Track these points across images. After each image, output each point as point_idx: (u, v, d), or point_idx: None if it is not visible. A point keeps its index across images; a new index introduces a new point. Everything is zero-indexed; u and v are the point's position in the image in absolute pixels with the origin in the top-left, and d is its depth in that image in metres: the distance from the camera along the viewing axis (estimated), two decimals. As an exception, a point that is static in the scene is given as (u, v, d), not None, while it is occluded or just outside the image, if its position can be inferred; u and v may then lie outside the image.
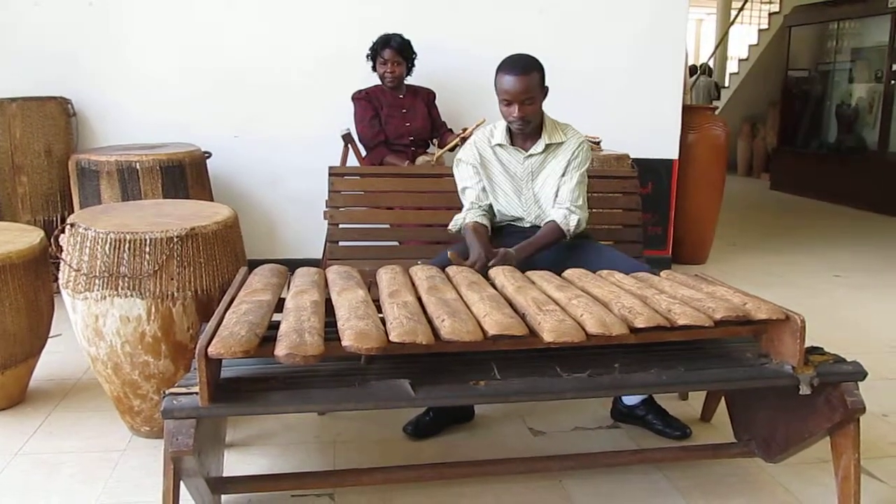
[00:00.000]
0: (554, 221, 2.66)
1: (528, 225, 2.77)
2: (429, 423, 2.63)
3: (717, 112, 5.77)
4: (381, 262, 2.56)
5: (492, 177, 2.75)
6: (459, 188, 2.81)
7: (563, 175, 2.71)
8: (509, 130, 2.71)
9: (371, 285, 2.26)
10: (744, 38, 12.12)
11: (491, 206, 2.76)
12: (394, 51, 4.07)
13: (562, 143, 2.72)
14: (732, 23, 10.62)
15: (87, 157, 3.82)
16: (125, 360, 2.42)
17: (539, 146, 2.70)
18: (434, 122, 4.29)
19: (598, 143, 4.28)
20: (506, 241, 2.71)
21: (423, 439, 2.61)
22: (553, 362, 1.98)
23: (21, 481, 2.31)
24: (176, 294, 2.37)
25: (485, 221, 2.71)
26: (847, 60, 8.77)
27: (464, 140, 3.90)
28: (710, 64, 11.52)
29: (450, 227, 2.78)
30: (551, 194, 2.72)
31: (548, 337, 1.80)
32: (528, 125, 2.64)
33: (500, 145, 2.73)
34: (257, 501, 2.22)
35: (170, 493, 1.77)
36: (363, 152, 4.17)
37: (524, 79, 2.55)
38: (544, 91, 2.64)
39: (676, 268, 4.79)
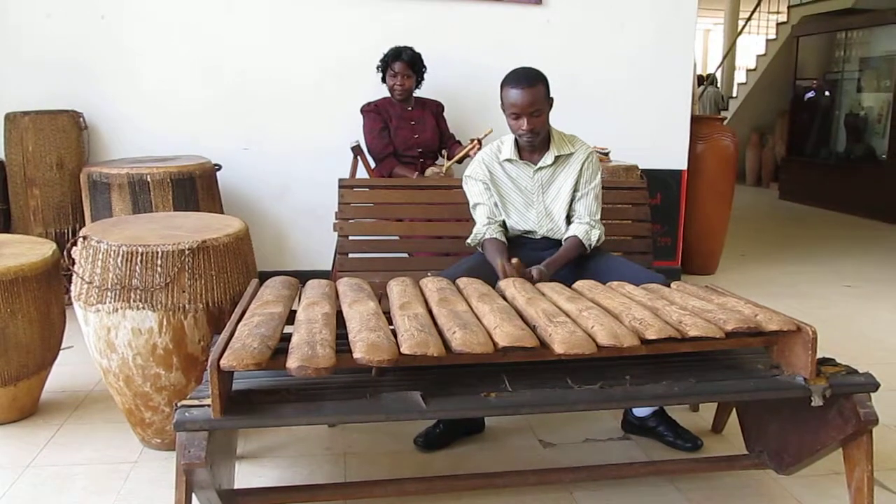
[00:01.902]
0: (576, 237, 2.69)
1: (538, 237, 2.78)
2: (439, 435, 2.63)
3: (725, 122, 5.76)
4: (391, 274, 2.57)
5: (502, 192, 2.75)
6: (471, 204, 2.81)
7: (576, 188, 2.73)
8: (517, 144, 2.72)
9: (381, 297, 2.26)
10: (751, 49, 12.11)
11: (504, 222, 2.77)
12: (405, 64, 4.08)
13: (570, 154, 2.74)
14: (740, 33, 10.62)
15: (98, 170, 3.85)
16: (137, 373, 2.43)
17: (548, 158, 2.71)
18: (443, 133, 4.30)
19: (606, 154, 4.29)
20: (517, 252, 2.71)
21: (433, 451, 2.61)
22: (564, 374, 1.97)
23: (32, 493, 2.32)
24: (187, 306, 2.38)
25: (502, 238, 2.72)
26: (855, 70, 8.76)
27: (472, 151, 3.92)
28: (718, 74, 11.53)
29: (469, 240, 2.78)
30: (564, 206, 2.73)
31: (559, 349, 1.80)
32: (537, 137, 2.65)
33: (508, 160, 2.74)
34: (268, 513, 2.22)
35: (182, 505, 1.78)
36: (372, 164, 4.19)
37: (531, 91, 2.56)
38: (550, 102, 2.65)
39: (686, 278, 4.78)
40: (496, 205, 2.76)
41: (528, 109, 2.57)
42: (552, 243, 2.77)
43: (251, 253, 2.71)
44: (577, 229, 2.71)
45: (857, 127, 8.66)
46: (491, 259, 2.64)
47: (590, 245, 2.71)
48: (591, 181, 2.76)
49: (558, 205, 2.75)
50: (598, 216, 2.76)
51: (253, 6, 4.46)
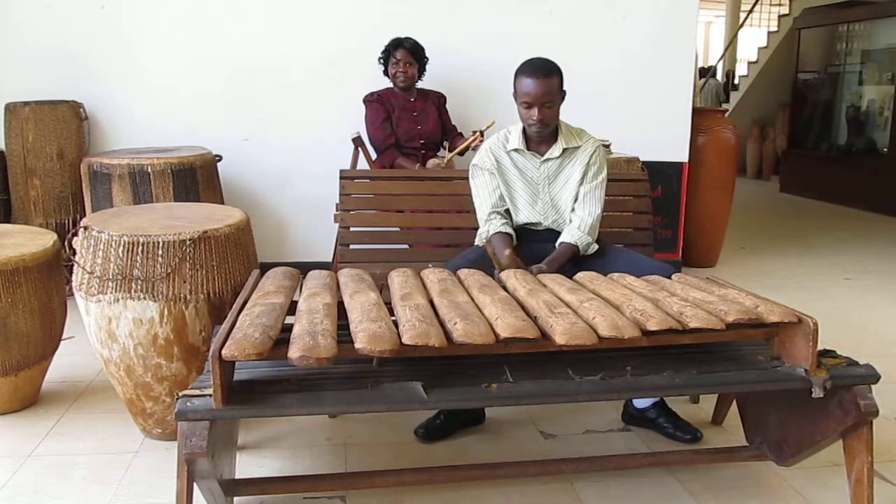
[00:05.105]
0: (576, 246, 2.67)
1: (543, 228, 2.78)
2: (440, 426, 2.64)
3: (726, 114, 5.75)
4: (392, 265, 2.57)
5: (508, 182, 2.75)
6: (473, 194, 2.81)
7: (581, 182, 2.73)
8: (525, 134, 2.72)
9: (382, 288, 2.27)
10: (753, 41, 12.09)
11: (508, 211, 2.77)
12: (406, 51, 4.08)
13: (578, 147, 2.74)
14: (742, 25, 10.61)
15: (98, 161, 3.84)
16: (138, 363, 2.43)
17: (556, 150, 2.71)
18: (444, 125, 4.30)
19: (607, 147, 4.28)
20: (522, 244, 2.71)
21: (434, 442, 2.61)
22: (565, 365, 1.98)
23: (34, 483, 2.33)
24: (188, 296, 2.38)
25: (508, 230, 2.71)
26: (857, 62, 8.74)
27: (474, 143, 3.92)
28: (719, 67, 11.51)
29: (477, 241, 2.77)
30: (570, 198, 2.74)
31: (560, 340, 1.80)
32: (546, 128, 2.65)
33: (516, 150, 2.74)
34: (270, 503, 2.23)
35: (183, 495, 1.78)
36: (374, 155, 4.18)
37: (545, 82, 2.57)
38: (563, 95, 2.66)
39: (686, 271, 4.76)
40: (501, 197, 2.75)
41: (541, 100, 2.58)
42: (556, 235, 2.77)
43: (252, 244, 2.71)
44: (576, 236, 2.68)
45: (859, 120, 8.64)
46: (496, 252, 2.63)
47: (585, 251, 2.70)
48: (597, 177, 2.75)
49: (564, 196, 2.75)
50: (599, 210, 2.73)
51: (253, -4, 4.45)
